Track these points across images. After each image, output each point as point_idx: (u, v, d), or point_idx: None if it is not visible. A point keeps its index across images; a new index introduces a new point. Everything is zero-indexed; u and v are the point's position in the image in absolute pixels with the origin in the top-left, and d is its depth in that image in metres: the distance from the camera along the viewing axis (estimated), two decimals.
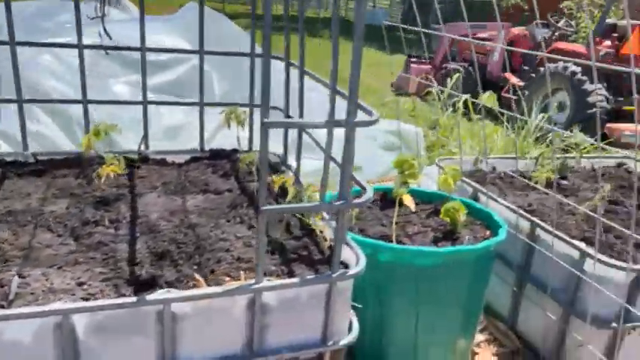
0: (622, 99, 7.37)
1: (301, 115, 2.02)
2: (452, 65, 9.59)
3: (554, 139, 3.26)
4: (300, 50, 1.91)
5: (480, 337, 2.31)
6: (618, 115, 7.33)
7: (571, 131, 7.07)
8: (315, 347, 1.44)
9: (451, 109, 6.20)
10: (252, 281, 1.31)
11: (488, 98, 5.35)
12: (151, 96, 2.88)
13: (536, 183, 2.73)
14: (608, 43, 7.49)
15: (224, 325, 1.33)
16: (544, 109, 7.98)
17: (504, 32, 8.74)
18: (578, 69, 7.24)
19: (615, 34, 7.56)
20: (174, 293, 1.26)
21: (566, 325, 2.05)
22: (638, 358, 2.08)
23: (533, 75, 8.00)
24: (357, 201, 1.39)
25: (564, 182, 3.06)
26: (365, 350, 1.99)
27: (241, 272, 1.44)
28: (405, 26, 3.19)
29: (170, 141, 3.88)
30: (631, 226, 1.80)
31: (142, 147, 2.35)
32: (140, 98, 2.35)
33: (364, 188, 1.44)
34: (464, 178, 2.59)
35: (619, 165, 3.39)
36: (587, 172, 3.31)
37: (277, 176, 2.00)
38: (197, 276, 1.39)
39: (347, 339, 1.48)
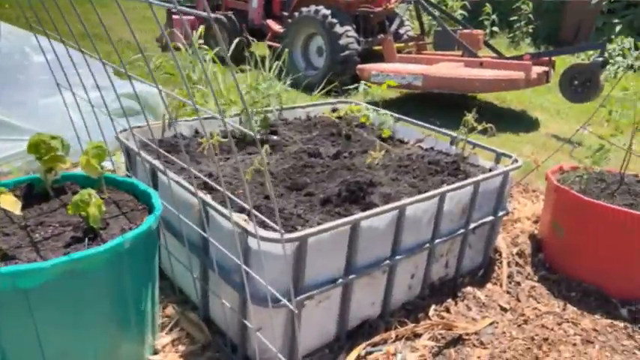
0: (371, 40, 7.71)
1: None
2: (214, 15, 9.04)
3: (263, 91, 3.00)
4: None
5: (166, 339, 1.97)
6: (371, 56, 7.66)
7: (334, 75, 7.31)
8: None
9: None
10: None
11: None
12: None
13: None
14: None
15: None
16: (307, 55, 8.01)
17: None
18: (329, 12, 7.28)
19: None
20: None
21: (243, 309, 1.81)
22: (320, 327, 1.95)
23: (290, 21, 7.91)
24: None
25: (274, 137, 2.84)
26: None
27: None
28: None
29: None
30: (270, 191, 1.57)
31: None
32: None
33: None
34: (141, 152, 2.15)
35: (334, 110, 3.31)
36: (303, 122, 3.16)
37: None
38: None
39: None
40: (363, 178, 2.27)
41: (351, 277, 1.90)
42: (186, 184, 1.96)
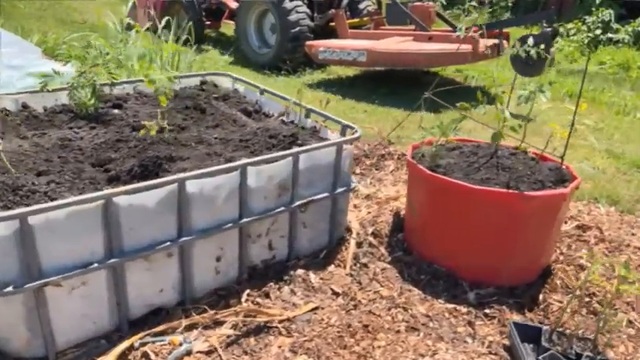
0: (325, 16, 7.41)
1: None
2: None
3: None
4: None
5: None
6: (327, 32, 7.38)
7: (286, 53, 7.05)
8: None
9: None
10: None
11: None
12: None
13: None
14: None
15: None
16: (261, 33, 7.75)
17: None
18: None
19: None
20: None
21: None
22: (85, 316, 1.77)
23: None
24: None
25: (115, 111, 2.65)
26: None
27: None
28: None
29: None
30: None
31: None
32: None
33: None
34: None
35: (203, 83, 3.10)
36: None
37: None
38: None
39: None
40: (162, 153, 2.07)
41: (112, 260, 1.71)
42: None
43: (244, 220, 2.02)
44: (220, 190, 1.92)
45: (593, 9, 9.51)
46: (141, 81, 2.90)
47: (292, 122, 2.69)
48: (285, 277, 2.22)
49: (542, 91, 2.02)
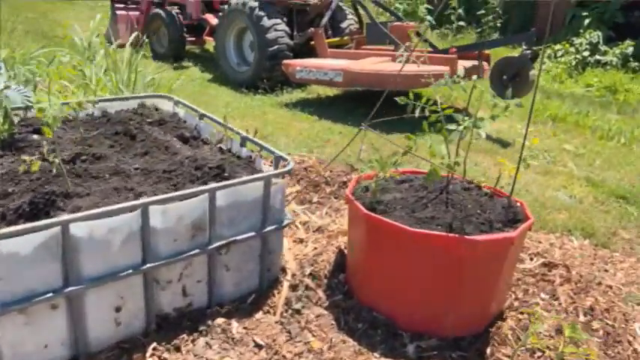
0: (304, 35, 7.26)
1: None
2: (156, 11, 8.73)
3: None
4: None
5: None
6: (306, 51, 7.21)
7: (264, 71, 6.87)
8: None
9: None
10: None
11: None
12: None
13: None
14: None
15: None
16: (241, 50, 7.58)
17: None
18: (256, 4, 6.86)
19: None
20: None
21: None
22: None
23: None
24: None
25: (35, 137, 2.43)
26: None
27: None
28: None
29: None
30: None
31: None
32: None
33: None
34: None
35: (141, 106, 2.89)
36: (94, 119, 2.74)
37: None
38: None
39: None
40: (59, 188, 1.85)
41: None
42: None
43: (148, 265, 1.79)
44: (116, 233, 1.69)
45: (581, 30, 9.39)
46: (105, 100, 2.71)
47: (229, 150, 2.48)
48: (202, 328, 1.98)
49: (477, 126, 1.80)
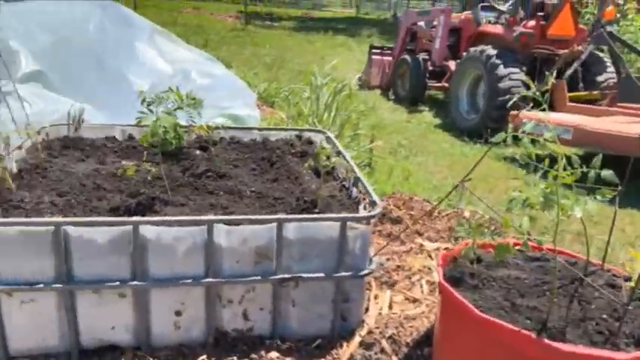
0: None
1: None
2: (404, 56, 9.17)
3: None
4: None
5: None
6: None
7: (491, 121, 6.53)
8: None
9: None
10: None
11: None
12: None
13: None
14: (532, 23, 6.75)
15: None
16: (474, 98, 7.36)
17: (445, 17, 8.16)
18: (495, 52, 6.58)
19: (542, 13, 6.78)
20: None
21: None
22: (32, 331, 1.87)
23: None
24: None
25: (198, 152, 2.82)
26: None
27: None
28: None
29: None
30: None
31: None
32: None
33: None
34: None
35: (299, 137, 3.06)
36: (250, 144, 3.01)
37: None
38: None
39: None
40: (163, 195, 2.09)
41: (57, 285, 1.79)
42: None
43: (209, 279, 1.88)
44: (181, 242, 1.83)
45: None
46: (235, 128, 3.06)
47: (347, 189, 2.44)
48: (254, 356, 1.97)
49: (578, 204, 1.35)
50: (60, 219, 1.76)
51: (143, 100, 2.21)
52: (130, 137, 2.90)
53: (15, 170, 2.29)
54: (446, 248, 2.96)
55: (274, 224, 1.88)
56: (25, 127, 2.39)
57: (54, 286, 1.79)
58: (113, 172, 2.42)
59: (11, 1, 7.00)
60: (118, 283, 1.83)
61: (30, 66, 4.76)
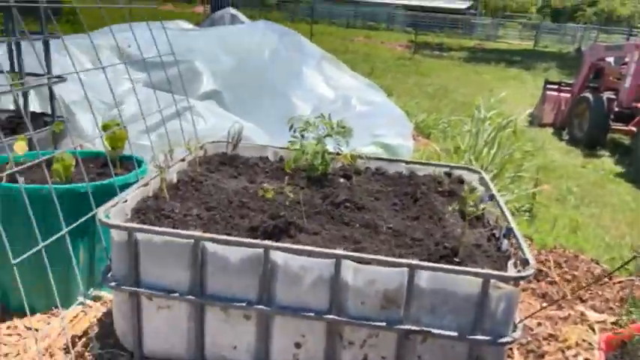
0: None
1: None
2: (585, 94, 8.36)
3: None
4: None
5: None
6: None
7: None
8: None
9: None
10: None
11: None
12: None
13: None
14: None
15: None
16: None
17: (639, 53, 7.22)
18: None
19: None
20: None
21: None
22: (164, 335, 1.95)
23: None
24: None
25: (340, 180, 2.80)
26: None
27: None
28: None
29: None
30: None
31: None
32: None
33: None
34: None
35: (448, 175, 2.86)
36: (395, 177, 2.89)
37: None
38: None
39: None
40: (299, 221, 2.07)
41: (189, 297, 1.86)
42: None
43: (332, 316, 1.80)
44: (307, 272, 1.78)
45: None
46: (380, 159, 2.96)
47: (497, 239, 2.18)
48: None
49: None
50: (198, 233, 1.83)
51: (291, 127, 2.23)
52: (281, 159, 2.98)
53: (174, 181, 2.48)
54: (613, 323, 2.50)
55: (405, 269, 1.73)
56: (188, 142, 2.58)
57: (187, 297, 1.86)
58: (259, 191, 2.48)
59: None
60: (244, 304, 1.84)
61: (210, 85, 5.25)
